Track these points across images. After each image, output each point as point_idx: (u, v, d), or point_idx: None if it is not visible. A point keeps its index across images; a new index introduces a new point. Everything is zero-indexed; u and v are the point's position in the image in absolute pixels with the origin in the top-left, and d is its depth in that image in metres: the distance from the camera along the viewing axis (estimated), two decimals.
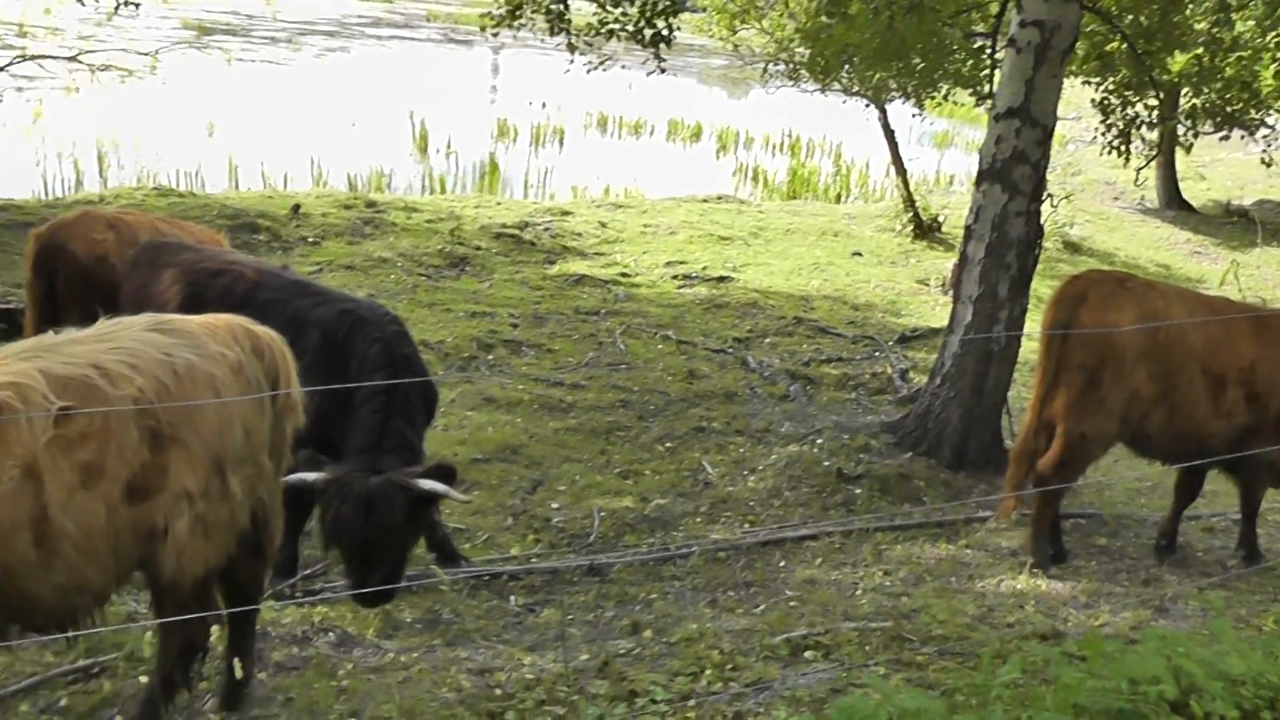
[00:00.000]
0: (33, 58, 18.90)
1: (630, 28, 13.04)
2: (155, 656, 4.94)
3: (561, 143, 27.97)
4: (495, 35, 13.24)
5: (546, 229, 17.24)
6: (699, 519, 8.47)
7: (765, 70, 20.28)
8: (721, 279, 15.53)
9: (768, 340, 13.05)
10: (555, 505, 8.55)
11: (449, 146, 25.16)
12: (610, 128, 30.09)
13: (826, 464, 9.27)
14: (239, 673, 5.21)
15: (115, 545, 4.46)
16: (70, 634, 4.79)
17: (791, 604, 6.77)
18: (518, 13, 12.73)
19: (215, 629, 5.21)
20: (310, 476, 6.13)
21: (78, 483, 4.32)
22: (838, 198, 24.80)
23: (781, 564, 7.67)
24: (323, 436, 6.10)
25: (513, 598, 7.09)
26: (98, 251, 8.65)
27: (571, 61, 13.26)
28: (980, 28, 15.43)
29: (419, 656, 5.96)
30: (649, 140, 29.83)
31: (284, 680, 5.57)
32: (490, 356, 11.55)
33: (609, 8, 13.08)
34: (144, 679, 5.26)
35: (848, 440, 9.77)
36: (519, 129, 27.97)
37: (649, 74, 13.47)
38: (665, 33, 13.16)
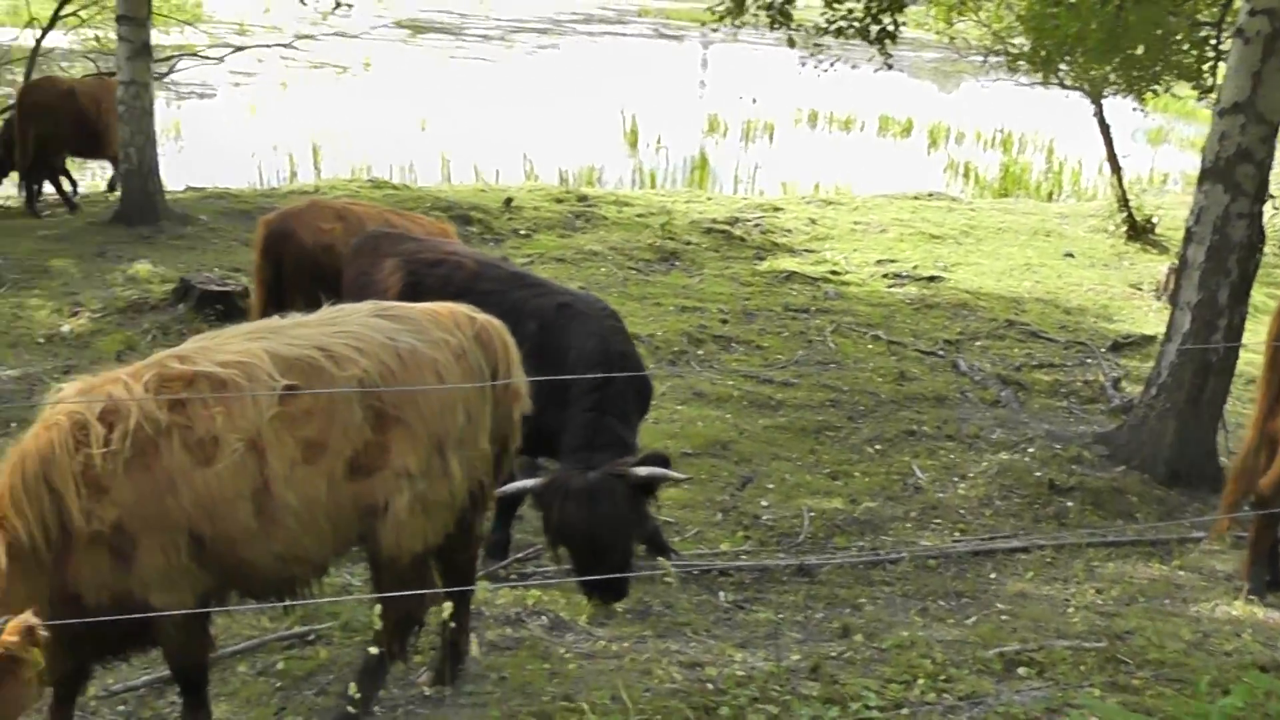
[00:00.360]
0: (248, 48, 19.51)
1: (856, 24, 12.97)
2: (372, 628, 5.06)
3: (771, 138, 27.92)
4: (715, 30, 13.29)
5: (756, 225, 17.22)
6: (908, 524, 8.38)
7: (985, 61, 19.89)
8: (932, 279, 15.31)
9: (979, 343, 12.83)
10: (764, 503, 8.54)
11: (659, 142, 25.30)
12: (820, 123, 29.88)
13: (1038, 474, 9.06)
14: (458, 649, 5.36)
15: (335, 519, 4.67)
16: (287, 602, 5.02)
17: (1003, 617, 6.64)
18: (742, 7, 12.74)
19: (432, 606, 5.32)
20: (529, 483, 6.23)
21: (300, 458, 4.54)
22: (1050, 195, 24.20)
23: (992, 575, 7.52)
24: (536, 429, 6.19)
25: (722, 593, 7.09)
26: (324, 240, 8.90)
27: (804, 64, 13.21)
28: (1205, 16, 14.86)
29: (630, 646, 5.99)
30: (859, 135, 29.53)
31: (497, 659, 5.68)
32: (700, 351, 11.59)
33: (835, 5, 13.03)
34: (358, 648, 5.42)
35: (1060, 450, 9.54)
36: (729, 124, 28.00)
37: (875, 71, 13.36)
38: (890, 28, 13.05)
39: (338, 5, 15.43)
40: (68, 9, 18.25)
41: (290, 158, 21.49)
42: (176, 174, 16.94)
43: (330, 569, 5.12)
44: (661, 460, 6.39)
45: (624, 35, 59.50)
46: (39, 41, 17.75)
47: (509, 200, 16.94)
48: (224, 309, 10.94)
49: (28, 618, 4.01)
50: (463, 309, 5.17)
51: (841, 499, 8.66)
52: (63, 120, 15.35)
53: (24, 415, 8.92)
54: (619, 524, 6.19)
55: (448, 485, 4.86)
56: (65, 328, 10.93)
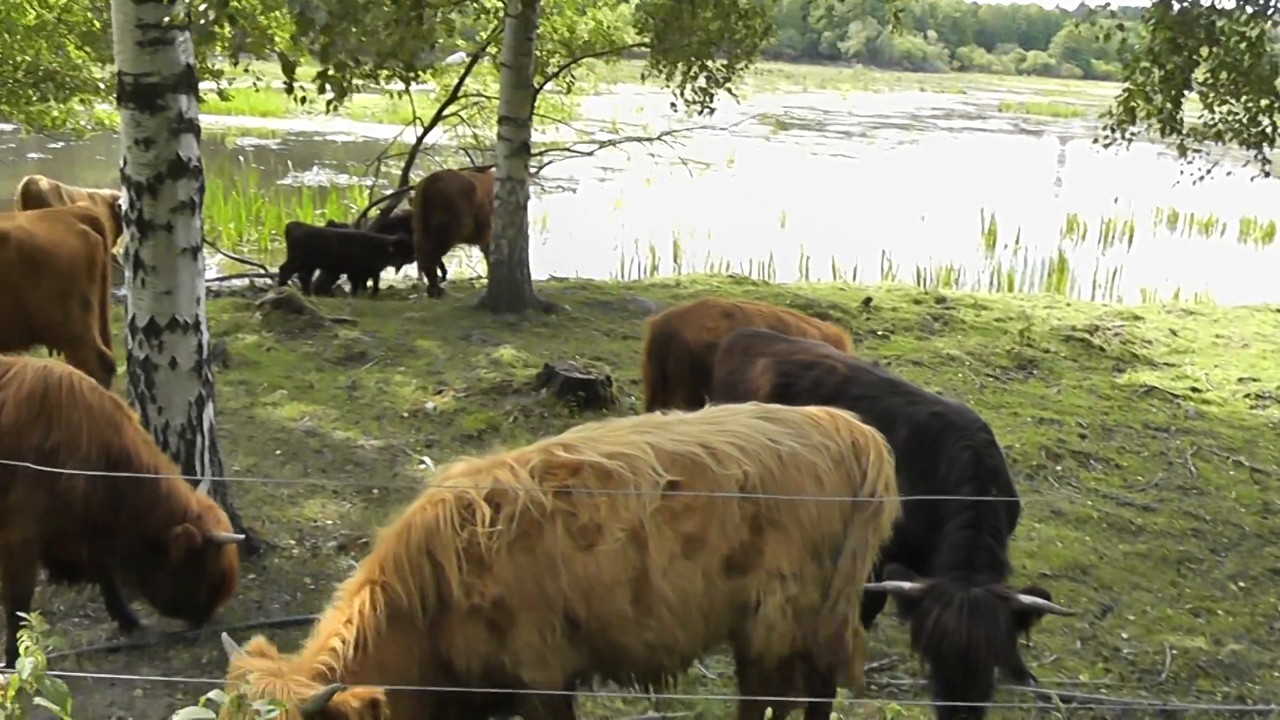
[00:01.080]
0: (616, 143, 20.16)
1: (1237, 127, 12.55)
2: None
3: (1130, 240, 27.11)
4: (1108, 145, 13.11)
5: (1116, 334, 16.65)
6: (1276, 672, 7.88)
7: None
8: None
9: None
10: (1124, 634, 8.16)
11: (1017, 242, 24.93)
12: (1180, 225, 28.89)
13: None
14: None
15: (708, 613, 4.76)
16: (651, 694, 5.11)
17: None
18: (1134, 117, 12.50)
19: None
20: (906, 585, 6.13)
21: (679, 551, 4.66)
22: None
23: None
24: (905, 538, 6.07)
25: None
26: (708, 339, 8.96)
27: (1182, 172, 12.85)
28: None
29: None
30: (1219, 239, 28.44)
31: None
32: (1058, 467, 11.23)
33: (1215, 108, 12.64)
34: None
35: None
36: (1087, 224, 27.35)
37: (1252, 179, 12.87)
38: (1269, 131, 12.56)
39: (704, 109, 15.73)
40: (449, 109, 19.20)
41: (652, 251, 22.05)
42: (541, 264, 17.57)
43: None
44: (1043, 593, 6.18)
45: (983, 130, 58.97)
46: (420, 139, 18.77)
47: (868, 300, 16.92)
48: (585, 396, 11.21)
49: (376, 692, 4.21)
50: (842, 415, 5.20)
51: (1204, 638, 8.20)
52: (463, 211, 16.28)
53: (386, 484, 9.41)
54: (995, 645, 5.99)
55: (819, 590, 4.90)
56: (429, 404, 11.39)
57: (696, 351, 8.97)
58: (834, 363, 7.31)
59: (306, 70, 8.33)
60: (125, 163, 7.65)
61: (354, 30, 6.17)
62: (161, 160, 7.52)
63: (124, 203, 7.79)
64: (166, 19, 7.26)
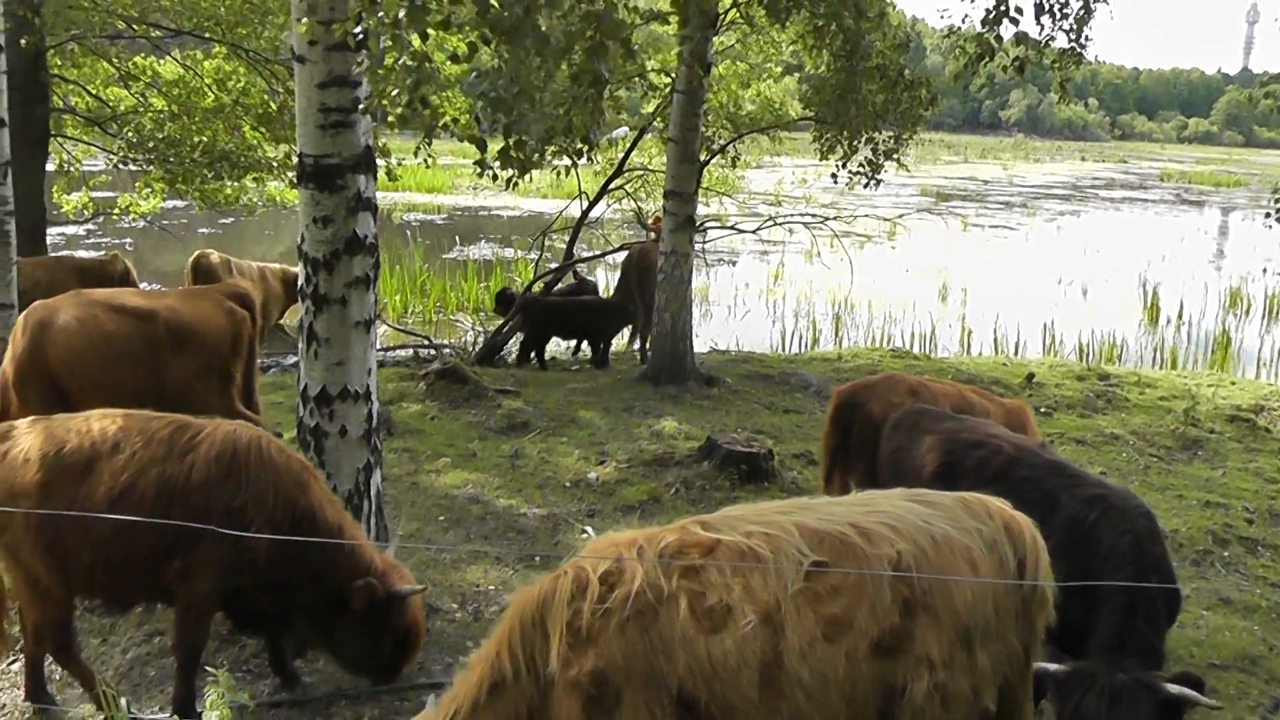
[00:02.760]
0: (781, 222, 20.23)
1: None
2: None
3: None
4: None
5: None
6: None
7: None
8: None
9: None
10: None
11: (1179, 317, 24.44)
12: None
13: None
14: None
15: (851, 698, 4.63)
16: None
17: None
18: None
19: None
20: (1051, 667, 6.05)
21: (820, 634, 4.57)
22: None
23: None
24: (1061, 620, 6.00)
25: None
26: (893, 414, 9.01)
27: None
28: None
29: None
30: None
31: None
32: (1225, 553, 10.94)
33: None
34: None
35: None
36: (1252, 298, 26.67)
37: None
38: None
39: (869, 182, 15.73)
40: (614, 184, 19.48)
41: (813, 324, 22.04)
42: (702, 336, 17.67)
43: None
44: (1195, 681, 6.05)
45: (1145, 200, 58.02)
46: (585, 213, 19.05)
47: (1030, 376, 16.72)
48: (748, 469, 11.20)
49: None
50: (995, 500, 5.11)
51: None
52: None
53: (549, 552, 9.53)
54: None
55: (970, 680, 4.76)
56: (592, 474, 11.50)
57: (880, 425, 8.97)
58: (1000, 443, 7.26)
59: (462, 148, 8.57)
60: (303, 239, 7.90)
61: (529, 110, 6.33)
62: (339, 237, 7.78)
63: (300, 277, 8.05)
64: (361, 105, 7.53)
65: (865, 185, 15.38)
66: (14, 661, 7.71)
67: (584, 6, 6.11)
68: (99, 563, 6.57)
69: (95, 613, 8.12)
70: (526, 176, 7.23)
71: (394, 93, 6.24)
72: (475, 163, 6.90)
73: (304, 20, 7.46)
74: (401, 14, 5.73)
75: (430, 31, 6.04)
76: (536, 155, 7.22)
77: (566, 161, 15.10)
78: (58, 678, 7.45)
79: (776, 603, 4.57)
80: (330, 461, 7.85)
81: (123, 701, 6.62)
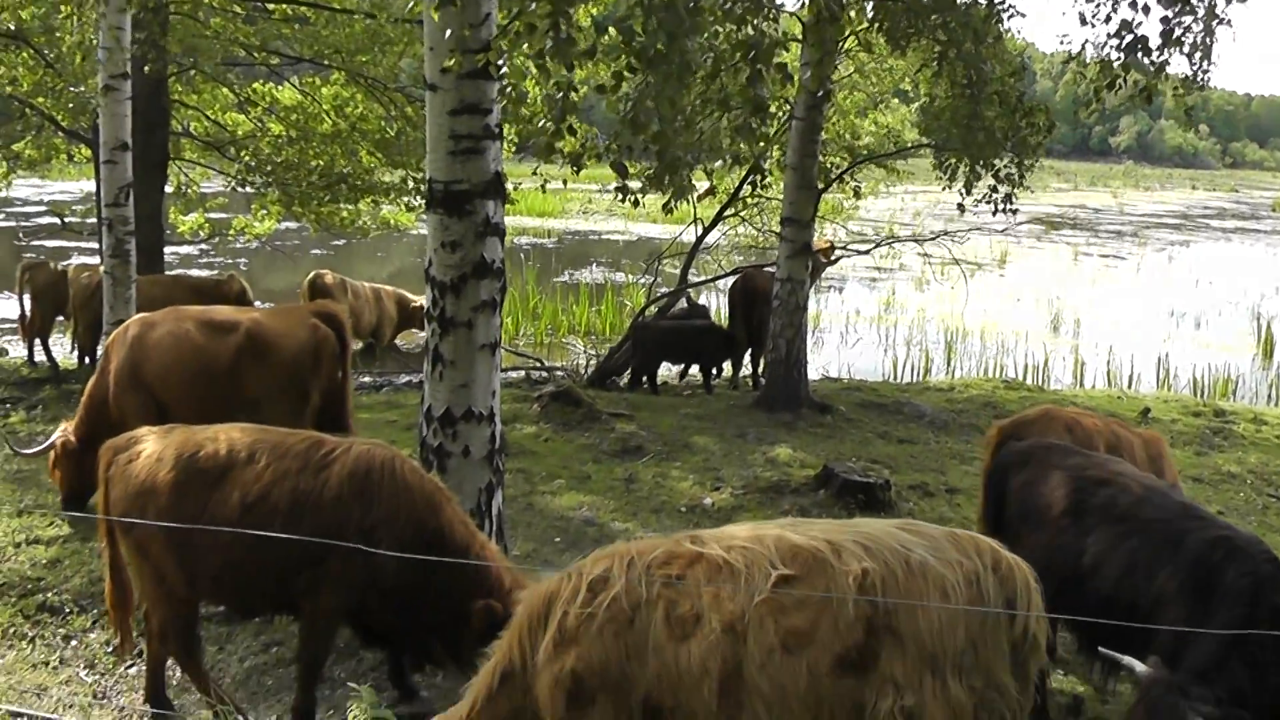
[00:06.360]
0: (892, 241, 20.16)
1: None
2: None
3: None
4: None
5: None
6: None
7: None
8: None
9: None
10: None
11: None
12: None
13: None
14: None
15: (815, 713, 4.64)
16: None
17: None
18: None
19: None
20: (1138, 666, 5.91)
21: (779, 645, 4.63)
22: None
23: None
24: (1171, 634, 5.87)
25: None
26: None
27: None
28: None
29: None
30: None
31: None
32: None
33: None
34: None
35: None
36: None
37: None
38: None
39: (1003, 210, 15.48)
40: (729, 211, 19.52)
41: (925, 352, 21.92)
42: (814, 363, 17.62)
43: None
44: None
45: (1257, 231, 57.07)
46: (700, 239, 19.08)
47: (1146, 411, 16.46)
48: (864, 499, 11.12)
49: None
50: (989, 540, 5.03)
51: None
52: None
53: None
54: None
55: (944, 711, 4.63)
56: (707, 500, 11.48)
57: None
58: (1128, 482, 7.14)
59: (591, 172, 8.64)
60: (430, 263, 8.03)
61: (674, 136, 6.40)
62: (466, 262, 7.90)
63: (427, 301, 8.16)
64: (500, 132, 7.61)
65: (995, 213, 15.24)
66: (131, 666, 7.88)
67: (736, 35, 6.17)
68: (227, 568, 6.71)
69: (213, 621, 8.28)
70: (640, 201, 7.27)
71: (540, 122, 6.34)
72: (617, 188, 6.97)
73: (443, 50, 7.54)
74: (549, 44, 5.81)
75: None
76: (685, 181, 7.28)
77: (704, 185, 15.10)
78: (174, 683, 7.58)
79: (741, 612, 4.66)
80: (453, 481, 7.88)
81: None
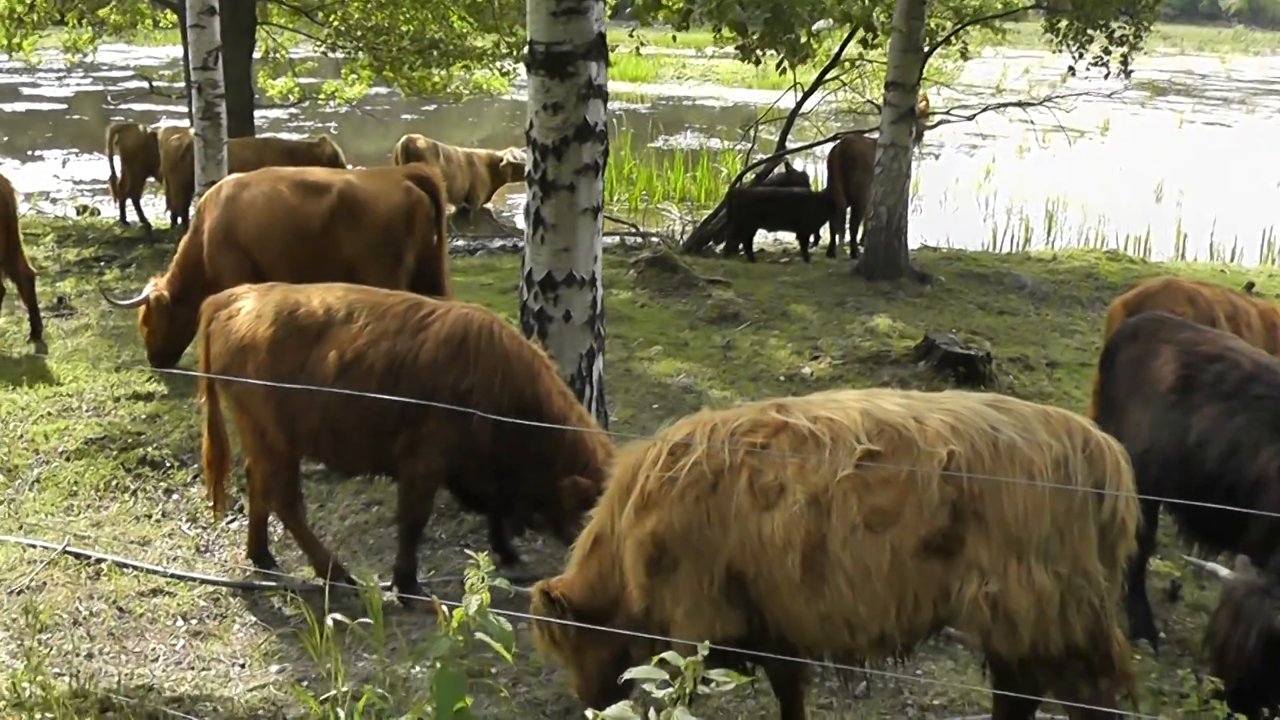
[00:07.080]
0: (1000, 106, 19.67)
1: None
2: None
3: None
4: None
5: None
6: None
7: None
8: None
9: None
10: None
11: None
12: None
13: None
14: None
15: (900, 593, 4.58)
16: (830, 664, 5.04)
17: None
18: None
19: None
20: (1223, 571, 5.72)
21: (863, 523, 4.56)
22: None
23: None
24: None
25: None
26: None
27: None
28: None
29: None
30: None
31: None
32: None
33: None
34: None
35: None
36: None
37: None
38: None
39: (1122, 73, 15.04)
40: (830, 74, 19.14)
41: (1025, 222, 21.55)
42: (912, 232, 17.37)
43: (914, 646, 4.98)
44: None
45: None
46: (799, 104, 18.71)
47: (1250, 285, 16.02)
48: (965, 371, 10.96)
49: (547, 584, 5.15)
50: (1079, 418, 4.84)
51: None
52: (872, 172, 16.15)
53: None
54: (1244, 652, 5.35)
55: (1029, 596, 4.51)
56: (806, 369, 11.41)
57: None
58: (1239, 358, 6.88)
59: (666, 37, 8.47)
60: (532, 126, 7.93)
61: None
62: (569, 125, 7.79)
63: (528, 164, 8.09)
64: None
65: (1106, 77, 14.82)
66: (233, 521, 8.03)
67: None
68: (324, 426, 6.78)
69: (313, 479, 8.37)
70: (761, 60, 7.08)
71: None
72: (737, 47, 6.81)
73: None
74: None
75: None
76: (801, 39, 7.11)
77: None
78: (276, 539, 7.71)
79: (825, 486, 4.58)
80: (554, 346, 7.85)
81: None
